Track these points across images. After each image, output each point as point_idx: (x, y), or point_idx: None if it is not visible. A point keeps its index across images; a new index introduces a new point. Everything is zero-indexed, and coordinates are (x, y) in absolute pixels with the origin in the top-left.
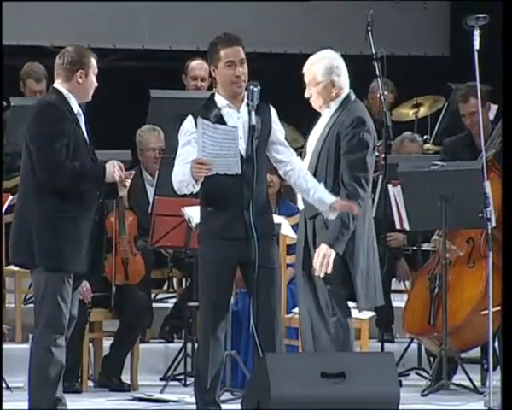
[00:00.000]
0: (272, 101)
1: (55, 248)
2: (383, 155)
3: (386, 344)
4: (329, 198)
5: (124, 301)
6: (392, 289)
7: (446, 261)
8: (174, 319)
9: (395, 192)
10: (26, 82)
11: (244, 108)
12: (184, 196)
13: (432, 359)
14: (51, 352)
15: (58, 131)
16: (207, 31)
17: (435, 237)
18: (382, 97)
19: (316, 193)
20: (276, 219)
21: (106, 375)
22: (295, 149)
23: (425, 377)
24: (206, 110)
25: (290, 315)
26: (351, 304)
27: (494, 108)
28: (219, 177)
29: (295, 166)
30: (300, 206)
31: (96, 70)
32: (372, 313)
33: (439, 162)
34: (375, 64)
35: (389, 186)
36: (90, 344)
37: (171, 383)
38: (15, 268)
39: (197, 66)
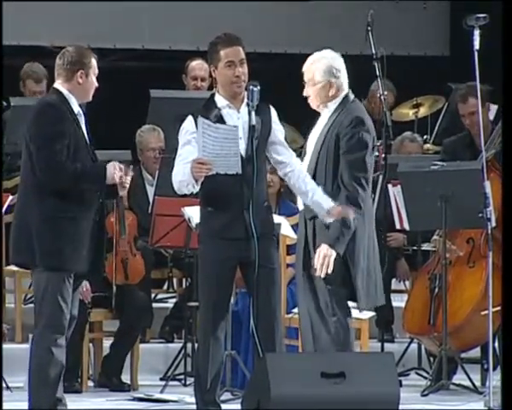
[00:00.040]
0: (272, 101)
1: (56, 248)
2: (383, 155)
3: (386, 344)
4: (327, 203)
5: (124, 301)
6: (392, 289)
7: (446, 261)
8: (174, 319)
9: (395, 192)
10: (26, 83)
11: (244, 109)
12: (184, 196)
13: (432, 359)
14: (51, 352)
15: (58, 131)
16: (207, 31)
17: (435, 237)
18: (382, 97)
19: (314, 196)
20: (276, 219)
21: (106, 375)
22: (294, 150)
23: (425, 377)
24: (206, 110)
25: (290, 315)
26: (351, 304)
27: (494, 108)
28: (219, 177)
29: (295, 168)
30: (300, 206)
31: (97, 70)
32: (372, 313)
33: (439, 162)
34: (375, 64)
35: (389, 186)
36: (90, 344)
37: (171, 383)
38: (15, 268)
39: (197, 66)
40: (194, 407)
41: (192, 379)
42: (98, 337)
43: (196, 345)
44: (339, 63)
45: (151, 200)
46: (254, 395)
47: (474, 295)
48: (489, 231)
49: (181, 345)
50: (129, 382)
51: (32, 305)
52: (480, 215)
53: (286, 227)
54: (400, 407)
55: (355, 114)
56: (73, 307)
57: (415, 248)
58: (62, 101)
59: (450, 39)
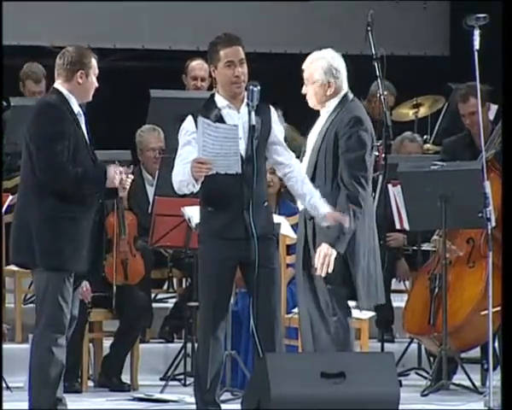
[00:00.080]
0: (272, 101)
1: (56, 247)
2: (383, 155)
3: (386, 344)
4: (323, 207)
5: (124, 302)
6: (392, 289)
7: (446, 261)
8: (174, 319)
9: (395, 192)
10: (26, 83)
11: (244, 109)
12: (184, 195)
13: (432, 359)
14: (52, 352)
15: (58, 131)
16: (207, 31)
17: (435, 237)
18: (382, 97)
19: (311, 199)
20: (276, 219)
21: (106, 375)
22: (293, 150)
23: (425, 377)
24: (206, 110)
25: (290, 315)
26: (351, 304)
27: (494, 108)
28: (219, 176)
29: (293, 169)
30: (300, 206)
31: (97, 70)
32: (372, 313)
33: (439, 162)
34: (375, 64)
35: (389, 186)
36: (90, 344)
37: (171, 383)
38: (15, 268)
39: (197, 66)
40: (194, 407)
41: (192, 379)
42: (98, 337)
43: (196, 345)
44: (338, 63)
45: (151, 200)
46: (254, 395)
47: (474, 296)
48: (489, 231)
49: (181, 345)
50: (129, 382)
51: (31, 305)
52: (480, 215)
53: (286, 227)
54: (400, 407)
55: (353, 114)
56: (74, 307)
57: (415, 248)
58: (62, 101)
59: (450, 39)
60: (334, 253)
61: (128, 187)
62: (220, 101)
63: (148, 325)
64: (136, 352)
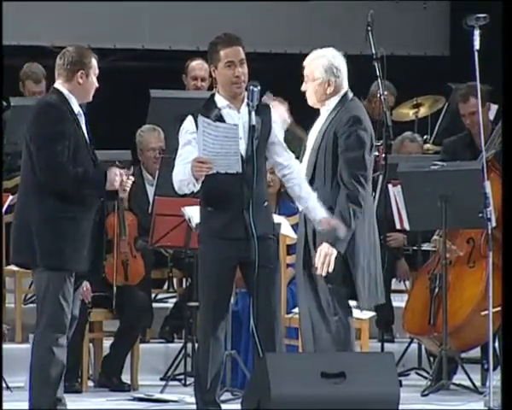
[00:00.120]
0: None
1: (56, 247)
2: (383, 155)
3: (386, 344)
4: (320, 212)
5: (124, 302)
6: (392, 289)
7: (446, 261)
8: (174, 319)
9: (395, 192)
10: (25, 83)
11: (244, 109)
12: (184, 195)
13: (432, 359)
14: (53, 352)
15: (58, 131)
16: (207, 31)
17: (435, 237)
18: (382, 97)
19: (308, 202)
20: (276, 219)
21: (106, 375)
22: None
23: (425, 377)
24: (207, 110)
25: (290, 315)
26: (352, 303)
27: (494, 108)
28: (220, 176)
29: (292, 171)
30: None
31: (97, 70)
32: (372, 313)
33: (439, 162)
34: (375, 64)
35: (389, 186)
36: (90, 344)
37: (171, 383)
38: (15, 268)
39: (197, 66)
40: (194, 407)
41: (192, 379)
42: (98, 337)
43: (196, 345)
44: (339, 62)
45: (151, 200)
46: (254, 395)
47: (474, 296)
48: (489, 231)
49: (181, 345)
50: (129, 382)
51: (31, 305)
52: (480, 215)
53: (286, 227)
54: (400, 407)
55: (353, 113)
56: (74, 307)
57: (415, 248)
58: (62, 101)
59: (450, 39)
60: (335, 252)
61: (128, 189)
62: (220, 101)
63: (149, 325)
64: (137, 352)
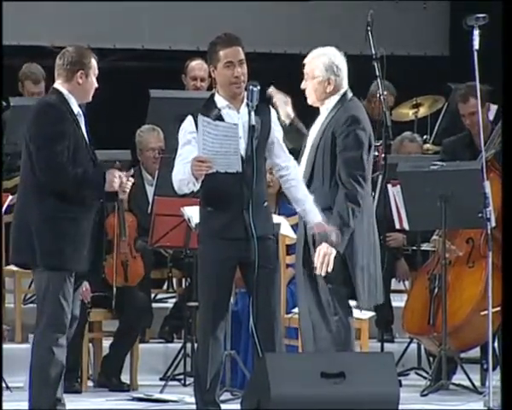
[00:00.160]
0: (272, 101)
1: (56, 247)
2: (383, 155)
3: (385, 344)
4: (314, 216)
5: (123, 302)
6: (391, 289)
7: (446, 261)
8: (174, 319)
9: (395, 192)
10: (25, 84)
11: (244, 109)
12: (184, 195)
13: (431, 359)
14: (52, 352)
15: (58, 131)
16: (207, 31)
17: (435, 237)
18: (382, 97)
19: (304, 205)
20: (276, 219)
21: (105, 375)
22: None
23: (425, 377)
24: (206, 110)
25: (290, 315)
26: (352, 303)
27: (494, 108)
28: (219, 176)
29: (290, 172)
30: None
31: (97, 71)
32: (372, 313)
33: (438, 162)
34: (375, 64)
35: (389, 186)
36: (90, 344)
37: (170, 383)
38: (15, 268)
39: (197, 66)
40: (194, 407)
41: (192, 379)
42: (98, 337)
43: (196, 345)
44: (340, 61)
45: (151, 200)
46: (254, 395)
47: (473, 296)
48: (489, 231)
49: (180, 345)
50: (128, 382)
51: (31, 305)
52: (480, 215)
53: (286, 227)
54: (400, 407)
55: (351, 113)
56: (75, 307)
57: (414, 248)
58: (62, 101)
59: (450, 39)
60: (334, 252)
61: (128, 190)
62: (220, 101)
63: (148, 325)
64: (136, 352)
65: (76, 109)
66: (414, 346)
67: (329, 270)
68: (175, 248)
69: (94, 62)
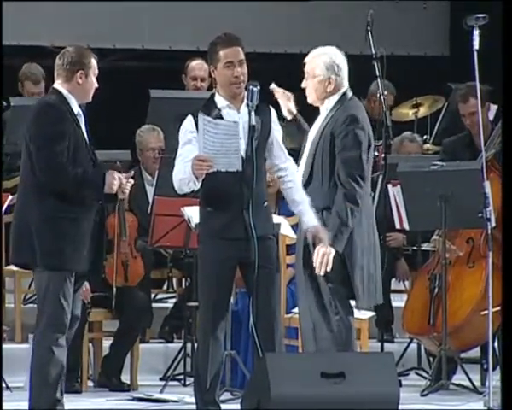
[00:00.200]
0: (272, 101)
1: (56, 247)
2: (383, 155)
3: (385, 344)
4: (309, 219)
5: (123, 302)
6: (391, 289)
7: (446, 261)
8: (174, 319)
9: (395, 192)
10: (24, 84)
11: (244, 109)
12: (184, 195)
13: (431, 359)
14: (52, 352)
15: (58, 131)
16: (207, 31)
17: (435, 237)
18: (382, 97)
19: (300, 206)
20: (276, 219)
21: (105, 375)
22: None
23: (424, 377)
24: (207, 110)
25: (290, 315)
26: (352, 303)
27: (494, 108)
28: (219, 176)
29: (288, 173)
30: None
31: (97, 71)
32: (372, 313)
33: (438, 162)
34: (375, 64)
35: (389, 186)
36: (90, 344)
37: (170, 383)
38: (15, 268)
39: (197, 66)
40: (194, 407)
41: (192, 379)
42: (98, 337)
43: (196, 345)
44: (341, 60)
45: (151, 200)
46: (254, 395)
47: (473, 296)
48: (489, 231)
49: (180, 345)
50: (128, 382)
51: (31, 305)
52: (480, 215)
53: (286, 227)
54: (400, 407)
55: (350, 112)
56: (75, 307)
57: (414, 248)
58: (62, 101)
59: (450, 39)
60: (333, 251)
61: (128, 191)
62: (220, 101)
63: (148, 325)
64: (136, 352)
65: (76, 109)
66: (414, 346)
67: (328, 269)
68: (175, 248)
69: (94, 62)
